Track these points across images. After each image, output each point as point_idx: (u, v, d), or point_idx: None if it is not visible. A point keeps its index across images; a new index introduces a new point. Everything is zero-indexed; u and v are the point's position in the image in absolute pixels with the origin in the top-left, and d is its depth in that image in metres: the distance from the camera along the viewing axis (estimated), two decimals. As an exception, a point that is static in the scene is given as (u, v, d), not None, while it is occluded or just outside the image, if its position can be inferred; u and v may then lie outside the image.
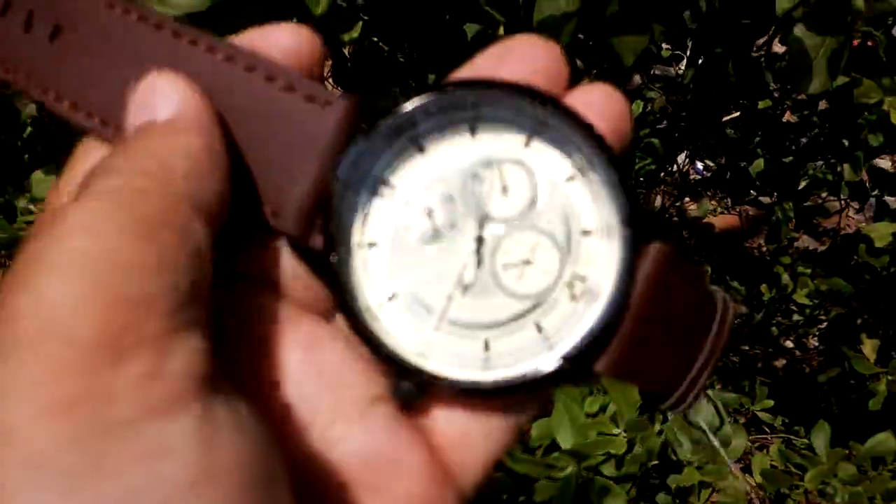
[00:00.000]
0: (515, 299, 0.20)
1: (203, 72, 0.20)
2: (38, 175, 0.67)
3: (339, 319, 0.21)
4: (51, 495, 0.13)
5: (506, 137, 0.20)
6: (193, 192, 0.17)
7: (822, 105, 0.99)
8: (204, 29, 0.21)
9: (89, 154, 0.21)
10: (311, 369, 0.20)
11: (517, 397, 0.21)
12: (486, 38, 0.92)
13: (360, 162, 0.20)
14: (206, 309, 0.16)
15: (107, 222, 0.16)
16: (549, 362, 0.19)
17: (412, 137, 0.20)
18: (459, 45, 0.94)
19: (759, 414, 1.15)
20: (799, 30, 0.59)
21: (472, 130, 0.20)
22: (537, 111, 0.20)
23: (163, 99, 0.19)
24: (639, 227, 0.19)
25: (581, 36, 0.88)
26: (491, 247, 0.20)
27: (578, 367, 0.19)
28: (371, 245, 0.21)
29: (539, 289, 0.20)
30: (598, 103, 0.20)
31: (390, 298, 0.20)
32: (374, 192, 0.21)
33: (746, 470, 1.39)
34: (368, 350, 0.20)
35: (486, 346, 0.20)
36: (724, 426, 0.73)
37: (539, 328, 0.20)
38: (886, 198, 1.21)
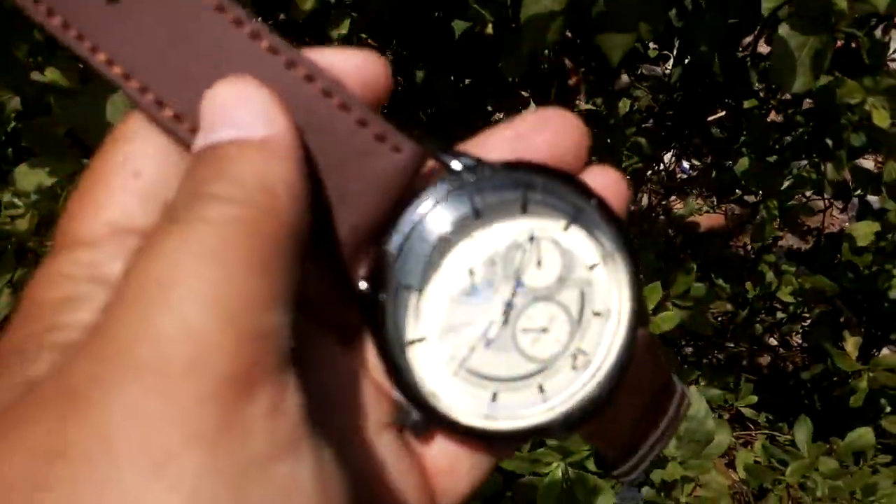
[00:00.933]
0: (527, 360, 0.23)
1: (279, 84, 0.19)
2: (22, 168, 0.66)
3: (358, 344, 0.22)
4: None
5: (549, 219, 0.23)
6: (293, 222, 0.17)
7: (807, 104, 1.00)
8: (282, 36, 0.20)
9: (139, 132, 0.19)
10: (330, 390, 0.20)
11: (508, 443, 0.23)
12: (474, 36, 0.92)
13: (419, 214, 0.21)
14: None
15: (230, 254, 0.15)
16: (544, 419, 0.22)
17: (472, 203, 0.22)
18: (448, 41, 0.94)
19: (743, 410, 1.16)
20: (783, 30, 0.59)
21: (524, 208, 0.22)
22: (580, 201, 0.22)
23: (252, 114, 0.18)
24: (639, 318, 0.22)
25: (569, 34, 0.88)
26: (517, 311, 0.23)
27: (569, 427, 0.22)
28: (414, 290, 0.22)
29: (548, 355, 0.23)
30: (610, 187, 0.22)
31: (420, 340, 0.22)
32: (426, 244, 0.22)
33: (731, 465, 1.40)
34: (391, 381, 0.21)
35: (494, 397, 0.23)
36: (707, 422, 0.74)
37: (541, 389, 0.23)
38: (869, 197, 1.22)
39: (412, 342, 0.22)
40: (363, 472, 0.20)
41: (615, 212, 0.22)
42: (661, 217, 2.00)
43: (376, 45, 1.07)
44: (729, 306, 1.41)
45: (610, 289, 0.23)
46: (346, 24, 0.84)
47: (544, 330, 0.23)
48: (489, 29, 0.93)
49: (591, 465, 0.85)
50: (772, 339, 1.71)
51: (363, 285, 0.21)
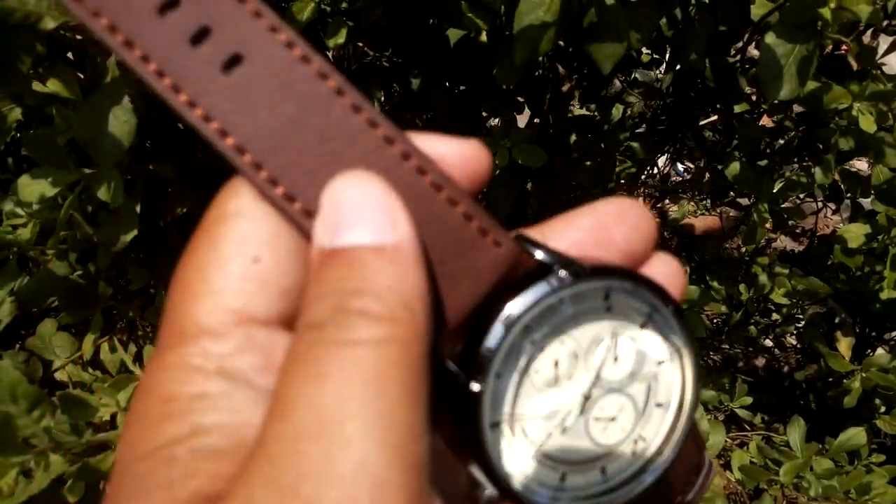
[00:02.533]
0: (595, 446, 0.25)
1: (394, 176, 0.19)
2: (25, 179, 0.67)
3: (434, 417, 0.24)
4: None
5: (629, 319, 0.25)
6: (428, 337, 0.17)
7: (798, 108, 1.01)
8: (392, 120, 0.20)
9: (252, 211, 0.19)
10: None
11: None
12: (468, 44, 0.94)
13: (518, 310, 0.22)
14: None
15: (389, 382, 0.16)
16: (604, 499, 0.24)
17: (566, 303, 0.23)
18: (443, 49, 0.95)
19: (738, 411, 1.17)
20: (770, 38, 0.61)
21: (608, 310, 0.24)
22: (657, 304, 0.24)
23: (381, 218, 0.18)
24: (695, 408, 0.25)
25: (561, 43, 0.89)
26: (592, 402, 0.25)
27: None
28: (500, 376, 0.23)
29: (614, 441, 0.25)
30: (671, 276, 0.24)
31: (503, 422, 0.24)
32: (519, 336, 0.23)
33: (727, 466, 1.41)
34: (473, 458, 0.23)
35: (563, 478, 0.24)
36: (701, 423, 0.75)
37: (604, 471, 0.25)
38: (861, 199, 1.24)
39: (496, 424, 0.23)
40: None
41: (684, 313, 0.24)
42: (657, 220, 2.02)
43: (373, 53, 1.08)
44: (723, 308, 1.42)
45: (672, 382, 0.25)
46: (343, 33, 0.85)
47: (613, 419, 0.25)
48: (483, 36, 0.95)
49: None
50: (767, 341, 1.73)
51: (452, 366, 0.22)
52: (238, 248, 0.18)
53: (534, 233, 0.24)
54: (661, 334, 0.25)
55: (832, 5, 0.55)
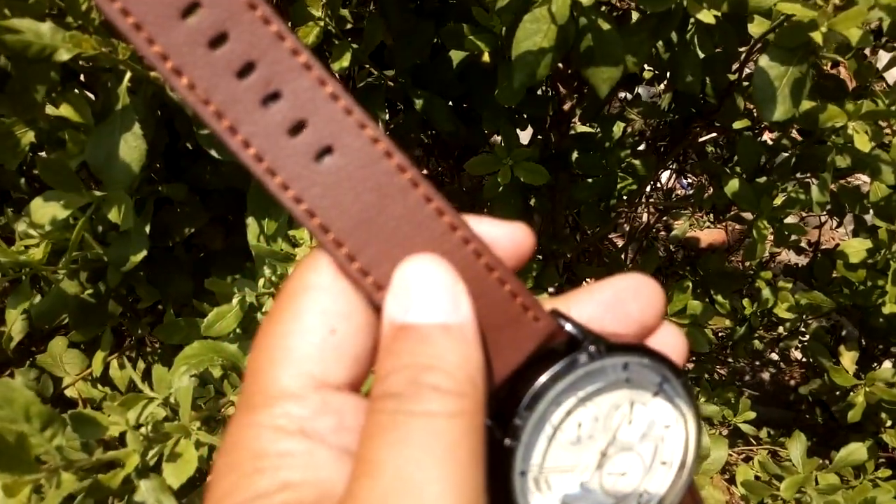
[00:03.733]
0: (606, 496, 0.27)
1: (455, 258, 0.22)
2: (37, 202, 0.69)
3: None
4: None
5: (644, 388, 0.27)
6: (486, 408, 0.20)
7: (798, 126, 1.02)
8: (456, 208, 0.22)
9: (329, 282, 0.21)
10: None
11: None
12: (471, 64, 0.95)
13: (552, 380, 0.25)
14: None
15: (460, 452, 0.18)
16: None
17: (587, 373, 0.26)
18: (446, 70, 0.97)
19: (742, 426, 1.17)
20: (764, 60, 0.62)
21: (627, 381, 0.27)
22: (669, 375, 0.27)
23: (448, 299, 0.20)
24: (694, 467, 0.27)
25: (560, 65, 0.91)
26: (608, 459, 0.27)
27: None
28: (531, 434, 0.26)
29: (623, 492, 0.27)
30: (675, 346, 0.27)
31: (530, 474, 0.26)
32: (554, 406, 0.26)
33: (732, 481, 1.41)
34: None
35: None
36: (703, 438, 0.75)
37: None
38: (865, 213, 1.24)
39: (523, 474, 0.26)
40: None
41: (689, 384, 0.27)
42: (662, 233, 2.02)
43: (377, 72, 1.10)
44: (728, 322, 1.42)
45: (677, 443, 0.28)
46: (347, 56, 0.87)
47: (623, 474, 0.27)
48: (486, 57, 0.96)
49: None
50: (773, 354, 1.72)
51: (490, 423, 0.24)
52: (318, 319, 0.20)
53: (561, 303, 0.26)
54: (669, 402, 0.27)
55: (823, 29, 0.56)
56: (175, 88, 0.21)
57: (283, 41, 0.21)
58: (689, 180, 1.95)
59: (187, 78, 0.21)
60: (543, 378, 0.25)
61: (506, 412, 0.25)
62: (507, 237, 0.23)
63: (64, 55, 0.50)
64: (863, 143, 0.68)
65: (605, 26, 0.59)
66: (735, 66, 0.92)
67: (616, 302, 0.26)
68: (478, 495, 0.18)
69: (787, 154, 0.88)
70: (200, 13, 0.21)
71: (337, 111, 0.22)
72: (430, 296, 0.20)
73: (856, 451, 0.94)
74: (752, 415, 1.12)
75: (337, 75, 1.15)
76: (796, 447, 0.93)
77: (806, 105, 0.73)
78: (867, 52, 1.20)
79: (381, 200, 0.22)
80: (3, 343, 0.83)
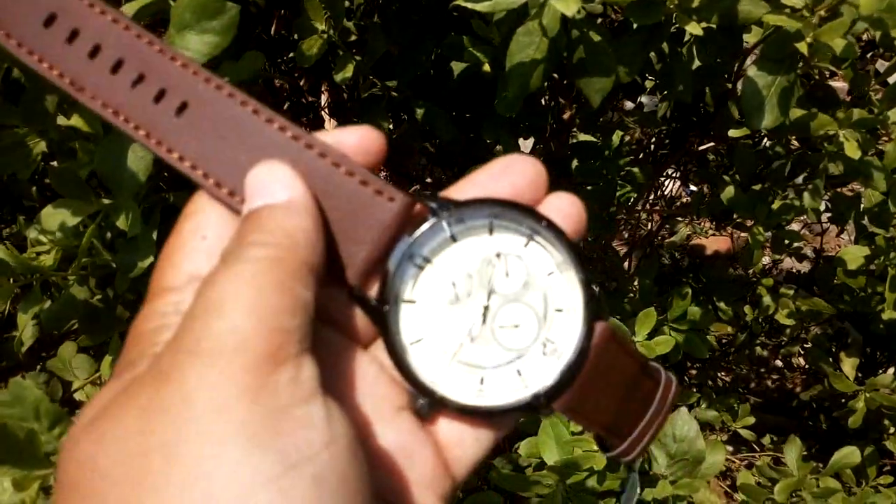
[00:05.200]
0: (505, 350, 0.28)
1: (301, 161, 0.26)
2: (48, 210, 0.71)
3: (374, 348, 0.28)
4: (251, 444, 0.20)
5: (512, 238, 0.29)
6: (309, 258, 0.24)
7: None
8: (298, 124, 0.26)
9: (205, 207, 0.27)
10: (358, 380, 0.27)
11: (498, 418, 0.28)
12: (472, 75, 0.97)
13: (413, 245, 0.28)
14: (311, 339, 0.24)
15: (263, 278, 0.23)
16: (523, 397, 0.27)
17: (450, 232, 0.28)
18: (446, 81, 0.99)
19: (742, 431, 1.18)
20: (752, 70, 0.63)
21: (490, 231, 0.28)
22: (535, 224, 0.28)
23: (280, 185, 0.25)
24: (594, 311, 0.27)
25: (556, 76, 0.93)
26: (493, 312, 0.28)
27: (544, 403, 0.27)
28: (410, 302, 0.28)
29: (522, 346, 0.28)
30: (563, 208, 0.28)
31: (419, 340, 0.28)
32: (418, 266, 0.28)
33: (733, 488, 1.41)
34: (400, 375, 0.27)
35: (481, 382, 0.28)
36: (697, 441, 0.77)
37: (519, 373, 0.28)
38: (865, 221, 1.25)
39: (413, 343, 0.28)
40: (388, 443, 0.26)
41: (563, 229, 0.28)
42: (666, 241, 2.03)
43: (379, 84, 1.12)
44: (730, 329, 1.43)
45: (566, 290, 0.28)
46: (350, 68, 0.89)
47: (517, 326, 0.28)
48: (486, 67, 0.98)
49: (589, 484, 0.88)
50: (777, 362, 1.73)
51: (374, 301, 0.27)
52: (192, 231, 0.26)
53: (445, 193, 0.29)
54: (545, 249, 0.28)
55: (809, 39, 0.58)
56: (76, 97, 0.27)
57: (140, 39, 0.27)
58: (695, 189, 1.96)
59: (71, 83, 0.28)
60: (402, 244, 0.27)
61: (381, 282, 0.27)
62: (355, 139, 0.27)
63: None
64: (853, 150, 0.70)
65: (597, 38, 0.61)
66: (729, 76, 0.93)
67: (489, 180, 0.28)
68: (277, 314, 0.22)
69: (780, 161, 0.89)
70: (83, 36, 0.28)
71: (187, 75, 0.27)
72: (265, 187, 0.25)
73: (850, 454, 0.94)
74: (751, 420, 1.13)
75: (344, 86, 1.18)
76: (792, 451, 0.94)
77: (798, 113, 0.75)
78: (875, 60, 1.22)
79: (235, 133, 0.27)
80: (15, 347, 0.85)
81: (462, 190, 0.29)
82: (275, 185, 0.25)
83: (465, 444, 0.28)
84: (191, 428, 0.20)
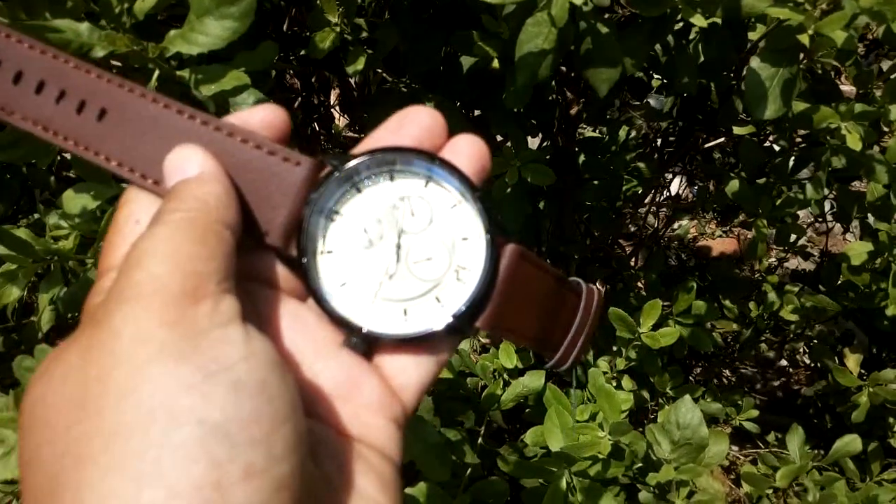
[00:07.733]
0: (422, 282, 0.31)
1: (213, 142, 0.30)
2: (69, 193, 0.73)
3: (310, 301, 0.31)
4: (171, 360, 0.22)
5: (412, 181, 0.31)
6: (222, 216, 0.27)
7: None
8: (200, 107, 0.30)
9: (137, 196, 0.30)
10: (297, 328, 0.30)
11: (430, 342, 0.30)
12: (481, 70, 0.99)
13: (320, 200, 0.30)
14: (233, 282, 0.26)
15: (178, 234, 0.26)
16: (445, 320, 0.30)
17: (353, 183, 0.31)
18: (456, 75, 1.00)
19: (746, 424, 1.19)
20: (755, 62, 0.65)
21: (391, 177, 0.31)
22: (431, 165, 0.30)
23: (190, 163, 0.29)
24: (495, 234, 0.30)
25: (563, 69, 0.94)
26: (405, 250, 0.31)
27: (464, 323, 0.30)
28: (328, 252, 0.31)
29: (436, 275, 0.31)
30: (466, 149, 0.31)
31: (342, 285, 0.31)
32: (329, 219, 0.31)
33: (737, 483, 1.42)
34: (329, 319, 0.30)
35: (405, 313, 0.30)
36: (701, 429, 0.78)
37: (438, 300, 0.30)
38: (871, 218, 1.26)
39: (337, 288, 0.30)
40: (334, 374, 0.29)
41: (456, 166, 0.30)
42: (675, 243, 2.04)
43: (390, 78, 1.14)
44: (735, 326, 1.44)
45: (468, 220, 0.31)
46: (361, 60, 0.91)
47: (429, 259, 0.31)
48: (495, 63, 1.00)
49: (594, 471, 0.89)
50: (782, 362, 1.73)
51: (294, 255, 0.30)
52: (127, 218, 0.30)
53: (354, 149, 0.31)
54: (442, 186, 0.31)
55: (810, 32, 0.59)
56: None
57: (56, 59, 0.31)
58: (700, 184, 1.97)
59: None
60: (314, 201, 0.30)
61: (297, 239, 0.30)
62: (260, 116, 0.30)
63: (99, 52, 0.54)
64: (854, 142, 0.71)
65: (604, 29, 0.62)
66: (734, 72, 0.95)
67: (389, 134, 0.31)
68: (191, 261, 0.25)
69: (783, 156, 0.91)
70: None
71: (102, 83, 0.30)
72: (178, 167, 0.28)
73: (851, 441, 0.95)
74: (754, 413, 1.14)
75: (355, 80, 1.19)
76: (794, 439, 0.95)
77: (800, 107, 0.76)
78: (880, 60, 1.23)
79: (152, 128, 0.30)
80: (36, 327, 0.88)
81: (367, 145, 0.31)
82: (187, 163, 0.29)
83: (408, 371, 0.30)
84: (120, 356, 0.22)
